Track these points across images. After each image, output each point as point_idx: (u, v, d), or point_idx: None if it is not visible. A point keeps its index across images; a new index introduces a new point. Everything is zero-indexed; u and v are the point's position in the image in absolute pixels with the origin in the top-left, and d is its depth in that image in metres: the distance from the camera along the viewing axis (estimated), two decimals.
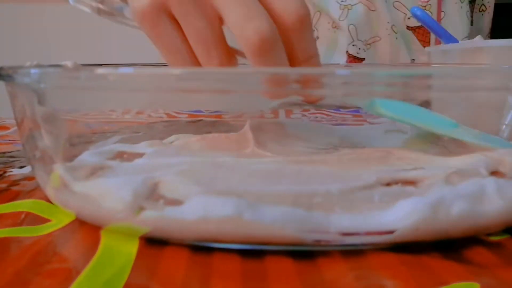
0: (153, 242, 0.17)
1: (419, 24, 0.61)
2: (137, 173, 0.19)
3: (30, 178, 0.26)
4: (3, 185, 0.25)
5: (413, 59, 0.63)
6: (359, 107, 0.26)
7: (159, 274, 0.15)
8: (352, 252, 0.16)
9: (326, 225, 0.16)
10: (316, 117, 0.36)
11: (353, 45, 0.62)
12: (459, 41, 0.39)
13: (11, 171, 0.27)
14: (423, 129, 0.25)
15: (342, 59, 0.63)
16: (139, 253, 0.16)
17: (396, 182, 0.19)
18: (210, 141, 0.26)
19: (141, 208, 0.17)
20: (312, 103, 0.25)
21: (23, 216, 0.20)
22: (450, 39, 0.40)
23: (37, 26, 0.96)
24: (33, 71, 0.19)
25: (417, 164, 0.20)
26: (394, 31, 0.62)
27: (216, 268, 0.15)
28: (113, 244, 0.17)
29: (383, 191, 0.18)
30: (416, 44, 0.63)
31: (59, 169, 0.20)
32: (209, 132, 0.27)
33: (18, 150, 0.33)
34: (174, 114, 0.34)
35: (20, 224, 0.19)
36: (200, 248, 0.17)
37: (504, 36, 0.33)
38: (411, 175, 0.19)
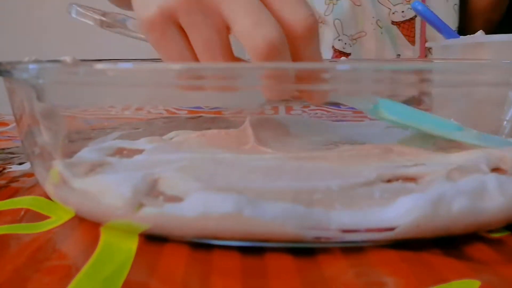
0: (153, 239, 0.17)
1: (404, 19, 0.62)
2: (136, 170, 0.19)
3: (29, 174, 0.26)
4: (2, 182, 0.24)
5: (399, 54, 0.63)
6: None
7: (159, 271, 0.15)
8: (352, 249, 0.16)
9: (326, 221, 0.16)
10: (316, 113, 0.36)
11: (339, 39, 0.63)
12: (460, 37, 0.39)
13: (10, 168, 0.27)
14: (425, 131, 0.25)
15: (329, 53, 0.63)
16: (139, 250, 0.16)
17: (396, 179, 0.19)
18: (210, 138, 0.26)
19: (141, 205, 0.17)
20: (316, 104, 0.25)
21: (22, 213, 0.20)
22: (451, 34, 0.40)
23: (35, 21, 0.96)
24: (31, 66, 0.19)
25: (418, 161, 0.20)
26: (379, 26, 0.62)
27: (216, 265, 0.15)
28: (112, 241, 0.17)
29: (383, 188, 0.18)
30: (401, 39, 0.63)
31: (58, 165, 0.20)
32: (209, 129, 0.27)
33: (17, 147, 0.33)
34: (173, 110, 0.34)
35: (20, 221, 0.19)
36: (200, 245, 0.16)
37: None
38: (411, 171, 0.19)
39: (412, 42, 0.63)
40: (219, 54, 0.22)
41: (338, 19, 0.62)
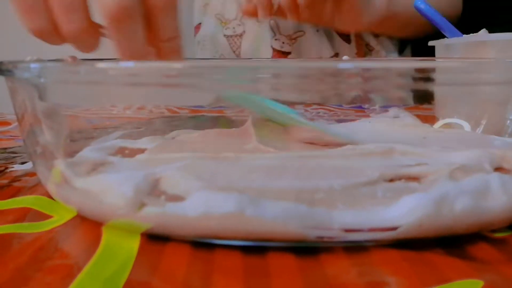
0: (155, 238, 0.17)
1: None
2: (138, 169, 0.19)
3: (31, 174, 0.26)
4: (5, 181, 0.24)
5: (337, 53, 0.64)
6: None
7: (160, 270, 0.15)
8: (355, 249, 0.16)
9: (328, 221, 0.16)
10: (318, 112, 0.36)
11: (276, 39, 0.63)
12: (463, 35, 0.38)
13: (12, 167, 0.27)
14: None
15: (268, 53, 0.64)
16: (141, 249, 0.16)
17: (399, 178, 0.18)
18: (212, 137, 0.26)
19: (143, 204, 0.17)
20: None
21: (24, 212, 0.20)
22: (454, 33, 0.40)
23: None
24: (33, 65, 0.19)
25: (421, 160, 0.20)
26: (316, 25, 0.62)
27: (217, 264, 0.15)
28: (114, 240, 0.17)
29: (386, 187, 0.18)
30: (337, 38, 0.64)
31: (60, 165, 0.20)
32: (211, 128, 0.27)
33: (19, 146, 0.33)
34: (175, 109, 0.34)
35: (22, 220, 0.19)
36: (202, 244, 0.16)
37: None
38: (414, 170, 0.19)
39: (348, 41, 0.64)
40: (73, 9, 0.23)
41: (273, 19, 0.63)
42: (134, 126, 0.29)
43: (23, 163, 0.28)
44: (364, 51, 0.65)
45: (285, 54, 0.64)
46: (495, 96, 0.26)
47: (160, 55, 0.26)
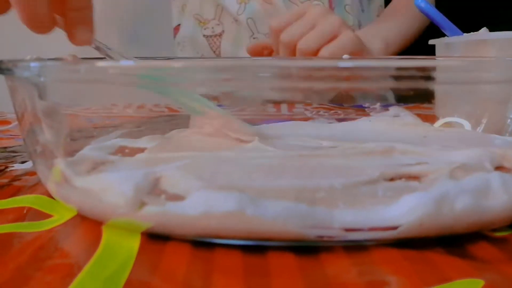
0: (155, 238, 0.17)
1: None
2: (138, 168, 0.19)
3: (31, 173, 0.26)
4: (5, 180, 0.24)
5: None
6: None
7: (161, 269, 0.15)
8: (355, 248, 0.16)
9: (329, 220, 0.16)
10: (319, 111, 0.36)
11: (254, 38, 0.63)
12: (464, 34, 0.38)
13: (12, 166, 0.27)
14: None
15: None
16: (141, 248, 0.16)
17: (400, 177, 0.18)
18: (213, 134, 0.26)
19: (143, 203, 0.17)
20: None
21: (24, 211, 0.20)
22: (455, 32, 0.40)
23: None
24: (33, 64, 0.19)
25: (421, 159, 0.20)
26: None
27: (218, 263, 0.15)
28: (115, 239, 0.17)
29: (386, 186, 0.18)
30: None
31: (60, 164, 0.20)
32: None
33: (19, 145, 0.33)
34: (175, 108, 0.34)
35: (22, 219, 0.19)
36: (202, 244, 0.16)
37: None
38: (415, 169, 0.19)
39: None
40: None
41: (250, 18, 0.63)
42: (134, 125, 0.29)
43: (23, 162, 0.28)
44: None
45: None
46: (496, 95, 0.26)
47: (67, 25, 0.24)
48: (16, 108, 0.22)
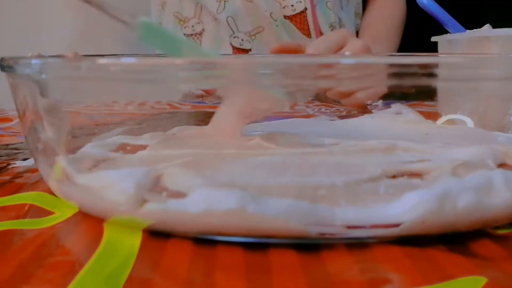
0: (157, 235, 0.17)
1: (294, 12, 0.63)
2: (140, 165, 0.19)
3: (33, 170, 0.26)
4: (7, 177, 0.24)
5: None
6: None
7: (162, 266, 0.15)
8: (357, 245, 0.16)
9: (331, 218, 0.16)
10: (320, 108, 0.36)
11: (234, 37, 0.63)
12: (466, 31, 0.38)
13: (14, 163, 0.27)
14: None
15: (228, 51, 0.63)
16: (143, 245, 0.16)
17: (402, 174, 0.18)
18: (214, 132, 0.26)
19: (144, 201, 0.17)
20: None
21: (26, 208, 0.20)
22: (457, 29, 0.40)
23: (36, 17, 0.96)
24: (34, 61, 0.19)
25: (423, 156, 0.20)
26: (274, 20, 0.62)
27: (219, 261, 0.15)
28: (116, 236, 0.17)
29: (388, 184, 0.18)
30: (297, 32, 0.64)
31: (61, 161, 0.20)
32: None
33: (21, 142, 0.33)
34: (177, 105, 0.34)
35: (24, 216, 0.19)
36: (204, 241, 0.16)
37: None
38: (417, 167, 0.19)
39: (308, 35, 0.64)
40: None
41: (230, 16, 0.63)
42: (135, 122, 0.29)
43: (25, 159, 0.28)
44: None
45: (245, 51, 0.63)
46: (499, 92, 0.26)
47: None
48: (17, 106, 0.22)
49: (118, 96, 0.27)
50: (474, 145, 0.21)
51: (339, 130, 0.28)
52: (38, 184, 0.23)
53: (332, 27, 0.65)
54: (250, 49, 0.63)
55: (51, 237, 0.17)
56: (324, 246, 0.16)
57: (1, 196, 0.22)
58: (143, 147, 0.23)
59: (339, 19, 0.66)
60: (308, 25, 0.64)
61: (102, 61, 0.18)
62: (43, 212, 0.20)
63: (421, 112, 0.31)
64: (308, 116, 0.34)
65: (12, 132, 0.37)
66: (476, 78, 0.19)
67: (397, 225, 0.16)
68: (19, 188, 0.23)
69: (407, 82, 0.18)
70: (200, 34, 0.64)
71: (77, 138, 0.24)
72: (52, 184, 0.21)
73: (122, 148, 0.23)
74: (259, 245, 0.16)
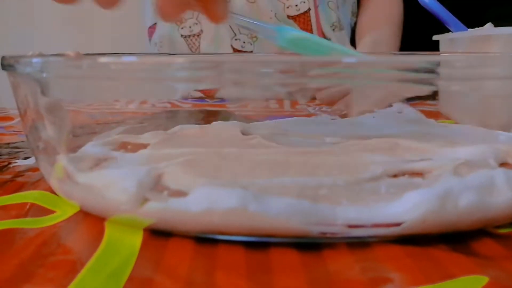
0: (158, 234, 0.17)
1: (298, 12, 0.62)
2: (141, 164, 0.19)
3: (34, 169, 0.26)
4: (8, 176, 0.24)
5: None
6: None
7: (163, 265, 0.15)
8: (358, 244, 0.16)
9: (332, 217, 0.16)
10: (321, 107, 0.36)
11: (236, 39, 0.62)
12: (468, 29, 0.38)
13: (15, 162, 0.27)
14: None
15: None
16: (144, 244, 0.16)
17: (403, 174, 0.18)
18: (215, 131, 0.26)
19: (145, 200, 0.17)
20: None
21: (27, 207, 0.20)
22: (459, 27, 0.40)
23: (36, 16, 0.95)
24: (35, 60, 0.19)
25: (425, 155, 0.20)
26: (278, 20, 0.62)
27: (220, 259, 0.15)
28: (117, 235, 0.17)
29: (390, 183, 0.18)
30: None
31: (62, 160, 0.20)
32: (214, 121, 0.27)
33: (22, 141, 0.33)
34: (178, 103, 0.34)
35: (25, 215, 0.19)
36: (205, 240, 0.16)
37: None
38: (418, 166, 0.19)
39: None
40: None
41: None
42: (136, 121, 0.29)
43: (26, 158, 0.28)
44: None
45: (247, 53, 0.63)
46: (500, 90, 0.26)
47: (202, 1, 0.24)
48: (18, 104, 0.22)
49: (119, 95, 0.27)
50: (475, 144, 0.21)
51: (340, 129, 0.28)
52: (39, 183, 0.23)
53: (333, 27, 0.65)
54: (251, 51, 0.63)
55: (52, 236, 0.17)
56: (325, 245, 0.16)
57: (2, 195, 0.22)
58: (144, 146, 0.23)
59: (338, 18, 0.66)
60: (311, 25, 0.63)
61: (103, 59, 0.18)
62: (44, 211, 0.20)
63: (422, 111, 0.31)
64: (309, 115, 0.34)
65: (13, 131, 0.37)
66: (477, 77, 0.19)
67: (398, 224, 0.16)
68: (20, 187, 0.23)
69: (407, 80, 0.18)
70: (198, 35, 0.64)
71: (78, 137, 0.24)
72: (53, 183, 0.21)
73: (123, 147, 0.23)
74: (260, 244, 0.16)
